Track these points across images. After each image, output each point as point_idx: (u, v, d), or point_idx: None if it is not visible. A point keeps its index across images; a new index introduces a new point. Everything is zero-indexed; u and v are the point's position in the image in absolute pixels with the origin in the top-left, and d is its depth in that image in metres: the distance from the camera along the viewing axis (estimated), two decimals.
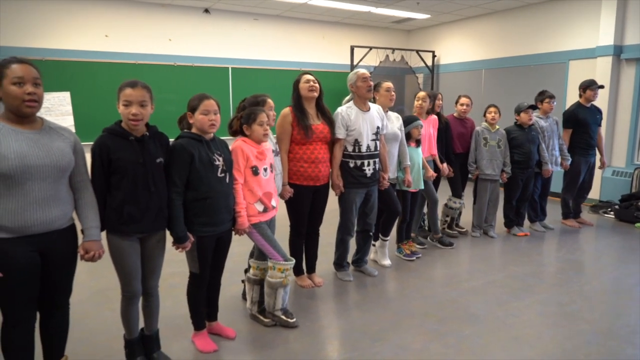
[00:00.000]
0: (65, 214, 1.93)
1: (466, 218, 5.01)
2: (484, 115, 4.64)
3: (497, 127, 4.60)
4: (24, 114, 1.81)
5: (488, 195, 4.67)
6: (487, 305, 3.15)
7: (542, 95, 4.82)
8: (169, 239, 2.30)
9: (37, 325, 2.03)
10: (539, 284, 3.52)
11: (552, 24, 6.74)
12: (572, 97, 6.05)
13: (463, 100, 4.63)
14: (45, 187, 1.83)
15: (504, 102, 5.69)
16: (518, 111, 4.62)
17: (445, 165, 4.30)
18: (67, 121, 6.22)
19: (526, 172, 4.64)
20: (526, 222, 5.02)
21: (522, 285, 3.51)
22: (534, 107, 4.61)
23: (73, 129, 5.92)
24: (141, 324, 2.37)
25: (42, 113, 1.93)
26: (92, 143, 2.10)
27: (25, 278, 1.84)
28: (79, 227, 2.03)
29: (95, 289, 3.37)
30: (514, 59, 7.31)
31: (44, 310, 2.03)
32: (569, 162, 4.90)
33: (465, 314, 3.02)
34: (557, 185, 5.39)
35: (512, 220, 4.85)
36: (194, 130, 2.35)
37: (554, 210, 5.47)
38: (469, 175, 4.72)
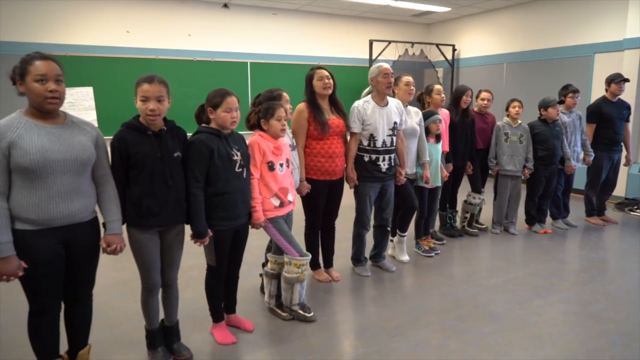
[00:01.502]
0: (87, 207, 1.97)
1: (486, 215, 4.94)
2: (506, 110, 4.54)
3: (519, 121, 4.51)
4: (46, 110, 1.84)
5: (509, 192, 4.59)
6: (508, 303, 3.11)
7: (566, 90, 4.70)
8: (188, 231, 2.33)
9: (62, 314, 2.08)
10: (562, 283, 3.45)
11: (577, 16, 6.56)
12: (598, 91, 5.89)
13: (484, 94, 4.55)
14: (67, 181, 1.87)
15: (526, 97, 5.56)
16: (545, 106, 4.50)
17: (450, 165, 4.18)
18: (90, 116, 6.34)
19: (550, 168, 4.54)
20: (548, 219, 4.92)
21: (544, 283, 3.44)
22: (561, 102, 4.50)
23: (96, 124, 6.05)
24: (162, 315, 2.41)
25: (65, 108, 1.97)
26: (112, 138, 2.13)
27: (49, 269, 1.89)
28: (101, 220, 2.07)
29: (117, 280, 3.43)
30: (537, 53, 7.14)
31: (68, 300, 2.09)
32: (591, 158, 4.77)
33: (485, 311, 2.98)
34: (581, 181, 5.26)
35: (534, 217, 4.76)
36: (212, 125, 2.36)
37: (577, 207, 5.35)
38: (489, 171, 4.64)
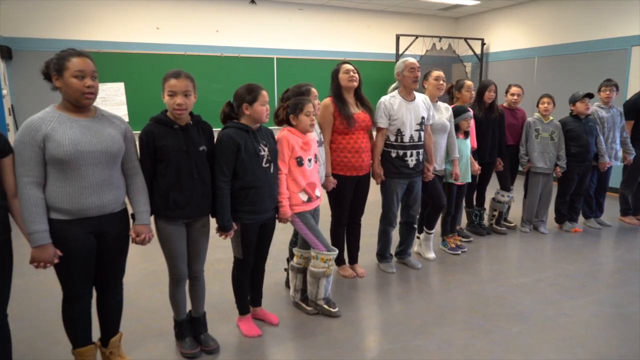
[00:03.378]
0: (117, 198, 2.02)
1: (515, 213, 4.83)
2: (537, 106, 4.42)
3: (551, 117, 4.39)
4: (82, 105, 1.90)
5: (540, 190, 4.47)
6: (537, 303, 3.03)
7: (606, 83, 4.53)
8: (213, 224, 2.36)
9: (95, 303, 2.15)
10: (594, 284, 3.35)
11: (613, 7, 6.31)
12: (635, 86, 5.67)
13: (514, 89, 4.43)
14: (99, 173, 1.92)
15: (558, 92, 5.40)
16: (573, 101, 4.36)
17: (475, 163, 4.09)
18: (121, 110, 6.51)
19: (583, 165, 4.40)
20: (580, 218, 4.77)
21: (574, 284, 3.34)
22: (590, 96, 4.34)
23: (126, 118, 6.21)
24: (189, 306, 2.46)
25: (98, 103, 2.03)
26: (140, 132, 2.17)
27: (82, 257, 1.96)
28: (130, 211, 2.13)
29: (146, 271, 3.52)
30: (570, 46, 6.91)
31: (100, 289, 2.15)
32: (632, 157, 4.59)
33: (513, 311, 2.92)
34: (616, 180, 5.08)
35: (565, 216, 4.62)
36: (243, 120, 2.38)
37: (612, 206, 5.17)
38: (520, 168, 4.53)
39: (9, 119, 6.00)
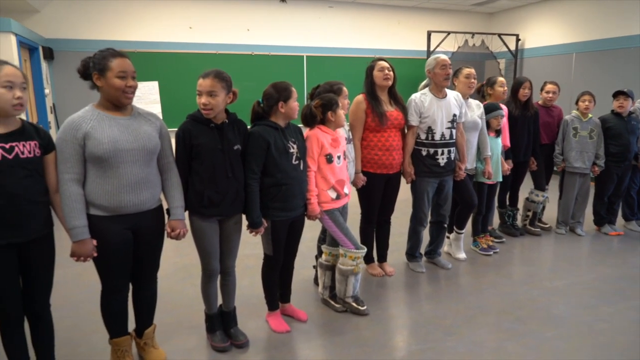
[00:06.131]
0: (154, 196, 2.08)
1: (550, 214, 4.69)
2: (576, 104, 4.27)
3: (590, 115, 4.23)
4: (122, 104, 1.97)
5: (576, 190, 4.32)
6: (572, 307, 2.94)
7: None
8: (245, 221, 2.40)
9: (130, 295, 2.23)
10: (634, 288, 3.21)
11: None
12: None
13: (549, 87, 4.29)
14: (137, 171, 1.98)
15: (597, 90, 5.19)
16: (613, 97, 4.21)
17: (510, 162, 3.99)
18: (155, 109, 6.68)
19: (622, 165, 4.22)
20: (620, 220, 4.59)
21: (613, 288, 3.22)
22: (622, 93, 4.15)
23: (160, 116, 6.35)
24: (220, 301, 2.51)
25: (134, 101, 2.09)
26: (177, 129, 2.23)
27: (119, 252, 2.02)
28: (165, 207, 2.18)
29: (179, 265, 3.61)
30: (611, 41, 6.62)
31: (136, 282, 2.23)
32: None
33: (547, 314, 2.84)
34: None
35: (604, 218, 4.45)
36: (273, 118, 2.40)
37: None
38: (554, 168, 4.39)
39: (50, 117, 6.26)
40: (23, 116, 2.16)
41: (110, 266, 2.05)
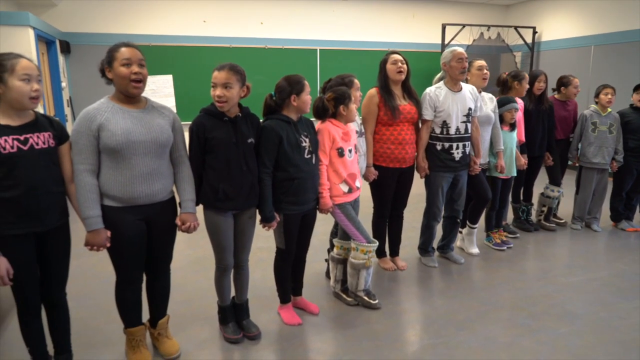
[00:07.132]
0: (166, 187, 2.10)
1: (565, 209, 4.62)
2: (596, 97, 4.18)
3: (609, 110, 4.14)
4: (131, 94, 1.98)
5: (594, 186, 4.25)
6: (588, 304, 2.90)
7: None
8: (258, 215, 2.41)
9: (144, 286, 2.26)
10: None
11: None
12: None
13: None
14: (149, 162, 2.00)
15: (616, 83, 5.07)
16: (634, 91, 4.11)
17: (525, 156, 3.91)
18: (170, 102, 6.74)
19: None
20: (638, 216, 4.49)
21: (630, 285, 3.16)
22: None
23: (174, 109, 6.40)
24: (233, 293, 2.53)
25: (148, 95, 2.11)
26: (191, 123, 2.23)
27: (133, 242, 2.05)
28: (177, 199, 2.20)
29: (192, 257, 3.64)
30: (630, 34, 6.45)
31: (149, 273, 2.26)
32: None
33: (562, 310, 2.81)
34: None
35: (621, 214, 4.37)
36: (285, 112, 2.40)
37: None
38: (569, 162, 4.31)
39: (67, 110, 6.35)
40: (40, 109, 2.19)
41: (124, 257, 2.07)
